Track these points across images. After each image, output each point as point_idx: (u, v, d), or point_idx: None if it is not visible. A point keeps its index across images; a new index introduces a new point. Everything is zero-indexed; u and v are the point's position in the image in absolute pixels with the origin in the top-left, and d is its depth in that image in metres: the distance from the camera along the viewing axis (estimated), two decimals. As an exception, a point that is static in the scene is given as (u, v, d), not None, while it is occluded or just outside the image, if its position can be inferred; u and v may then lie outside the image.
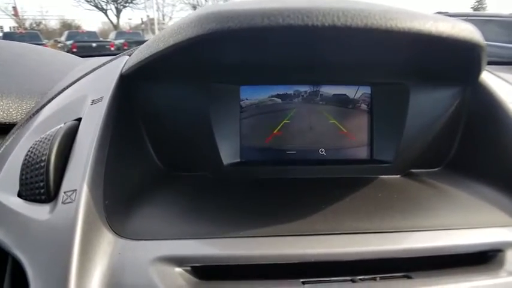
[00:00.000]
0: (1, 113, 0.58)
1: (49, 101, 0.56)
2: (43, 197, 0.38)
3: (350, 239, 0.36)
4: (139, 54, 0.44)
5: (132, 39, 12.12)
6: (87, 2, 23.23)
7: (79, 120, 0.45)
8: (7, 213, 0.38)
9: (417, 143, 0.52)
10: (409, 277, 0.34)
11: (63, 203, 0.36)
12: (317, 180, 0.51)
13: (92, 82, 0.54)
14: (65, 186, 0.37)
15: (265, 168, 0.53)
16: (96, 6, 23.54)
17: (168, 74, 0.48)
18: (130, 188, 0.43)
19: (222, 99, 0.51)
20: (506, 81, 0.53)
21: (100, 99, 0.45)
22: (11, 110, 0.59)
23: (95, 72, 0.58)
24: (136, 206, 0.41)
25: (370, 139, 0.54)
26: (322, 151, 0.54)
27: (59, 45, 11.99)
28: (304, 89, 0.53)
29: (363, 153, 0.54)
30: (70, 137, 0.42)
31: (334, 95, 0.54)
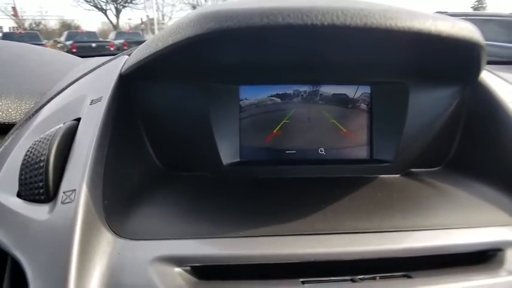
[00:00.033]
0: (0, 113, 0.58)
1: (48, 101, 0.56)
2: (42, 197, 0.38)
3: (350, 239, 0.36)
4: (139, 54, 0.44)
5: (132, 39, 12.12)
6: (87, 2, 23.26)
7: (78, 120, 0.44)
8: (6, 214, 0.38)
9: (417, 142, 0.52)
10: (409, 276, 0.34)
11: (62, 203, 0.36)
12: (317, 180, 0.51)
13: (91, 82, 0.54)
14: (64, 186, 0.37)
15: (264, 168, 0.53)
16: (96, 7, 23.57)
17: (167, 74, 0.48)
18: (129, 188, 0.43)
19: (221, 99, 0.51)
20: (506, 80, 0.53)
21: (99, 99, 0.45)
22: (10, 110, 0.59)
23: (94, 72, 0.58)
24: (136, 206, 0.41)
25: (369, 139, 0.54)
26: (321, 151, 0.54)
27: (59, 45, 11.99)
28: (303, 88, 0.53)
29: (362, 152, 0.54)
30: (69, 137, 0.42)
31: (334, 94, 0.54)
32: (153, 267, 0.32)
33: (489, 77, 0.50)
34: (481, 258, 0.37)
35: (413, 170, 0.54)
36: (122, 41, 12.01)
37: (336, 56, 0.47)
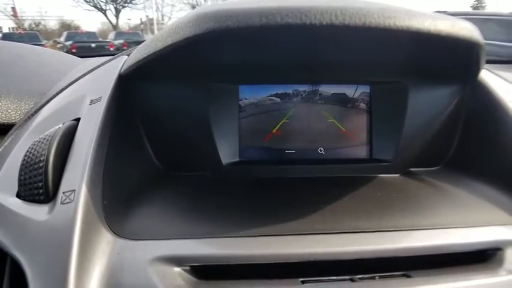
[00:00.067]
0: (0, 113, 0.58)
1: (48, 102, 0.56)
2: (42, 198, 0.38)
3: (349, 238, 0.36)
4: (138, 54, 0.44)
5: (132, 39, 12.12)
6: (86, 2, 23.26)
7: (78, 120, 0.44)
8: (6, 214, 0.38)
9: (416, 141, 0.52)
10: (408, 276, 0.34)
11: (61, 203, 0.36)
12: (316, 180, 0.51)
13: (91, 82, 0.54)
14: (64, 186, 0.37)
15: (264, 167, 0.53)
16: (95, 7, 23.56)
17: (166, 74, 0.48)
18: (129, 188, 0.43)
19: (220, 98, 0.51)
20: (505, 79, 0.53)
21: (99, 99, 0.45)
22: (9, 110, 0.59)
23: (93, 72, 0.58)
24: (135, 206, 0.41)
25: (369, 138, 0.54)
26: (321, 150, 0.54)
27: (58, 45, 11.99)
28: (303, 88, 0.53)
29: (362, 152, 0.54)
30: (69, 137, 0.42)
31: (333, 94, 0.54)
32: (152, 267, 0.32)
33: (488, 76, 0.50)
34: (480, 258, 0.37)
35: (412, 169, 0.54)
36: (121, 41, 12.01)
37: (335, 55, 0.47)
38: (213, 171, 0.52)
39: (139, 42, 0.61)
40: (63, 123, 0.44)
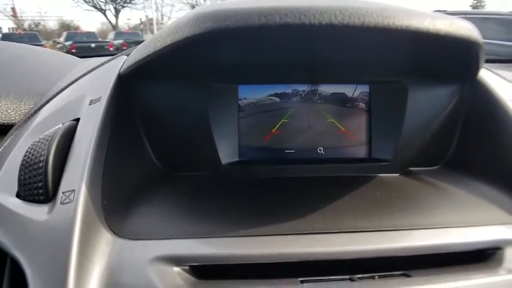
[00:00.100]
0: (0, 113, 0.58)
1: (47, 102, 0.56)
2: (41, 198, 0.38)
3: (349, 238, 0.36)
4: (137, 54, 0.44)
5: (131, 39, 12.11)
6: (86, 2, 23.22)
7: (77, 120, 0.44)
8: (6, 214, 0.38)
9: (416, 141, 0.52)
10: (407, 275, 0.34)
11: (61, 203, 0.36)
12: (316, 179, 0.51)
13: (90, 82, 0.54)
14: (64, 186, 0.37)
15: (263, 167, 0.53)
16: (95, 7, 23.53)
17: (166, 74, 0.48)
18: (128, 188, 0.43)
19: (220, 98, 0.51)
20: (505, 78, 0.53)
21: (98, 100, 0.45)
22: (9, 110, 0.59)
23: (93, 72, 0.58)
24: (135, 206, 0.41)
25: (368, 138, 0.54)
26: (320, 150, 0.54)
27: (58, 45, 11.99)
28: (302, 87, 0.53)
29: (361, 151, 0.54)
30: (68, 137, 0.42)
31: (333, 93, 0.54)
32: (152, 267, 0.32)
33: (488, 76, 0.50)
34: (480, 257, 0.37)
35: (412, 168, 0.54)
36: (121, 41, 12.01)
37: (334, 55, 0.47)
38: (213, 171, 0.52)
39: (138, 42, 0.61)
40: (62, 124, 0.44)
